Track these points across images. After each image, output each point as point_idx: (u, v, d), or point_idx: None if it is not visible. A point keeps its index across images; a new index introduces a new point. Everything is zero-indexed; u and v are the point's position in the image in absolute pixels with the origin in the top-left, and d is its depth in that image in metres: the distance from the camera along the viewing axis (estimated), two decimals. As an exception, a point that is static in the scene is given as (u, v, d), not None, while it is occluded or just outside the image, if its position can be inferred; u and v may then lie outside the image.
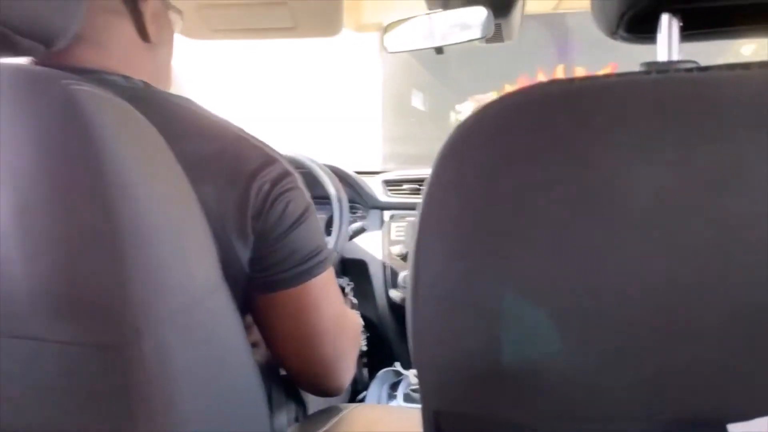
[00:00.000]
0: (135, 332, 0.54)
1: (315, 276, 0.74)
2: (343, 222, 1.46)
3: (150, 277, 0.55)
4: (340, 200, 1.46)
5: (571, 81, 0.41)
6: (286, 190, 0.71)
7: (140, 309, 0.55)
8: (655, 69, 0.46)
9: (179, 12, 0.83)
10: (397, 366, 1.52)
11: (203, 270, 0.63)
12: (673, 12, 0.50)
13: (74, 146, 0.52)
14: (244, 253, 0.70)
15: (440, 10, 1.13)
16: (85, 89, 0.53)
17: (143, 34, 0.73)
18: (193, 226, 0.62)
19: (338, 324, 0.80)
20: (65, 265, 0.53)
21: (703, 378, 0.39)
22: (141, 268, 0.55)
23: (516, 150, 0.41)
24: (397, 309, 1.66)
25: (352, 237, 1.61)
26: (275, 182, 0.70)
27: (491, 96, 2.09)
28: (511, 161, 0.41)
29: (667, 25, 0.51)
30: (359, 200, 1.71)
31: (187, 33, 1.26)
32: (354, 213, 1.70)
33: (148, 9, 0.73)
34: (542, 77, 2.13)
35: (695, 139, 0.37)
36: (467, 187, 0.42)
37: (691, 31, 0.53)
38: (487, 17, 1.07)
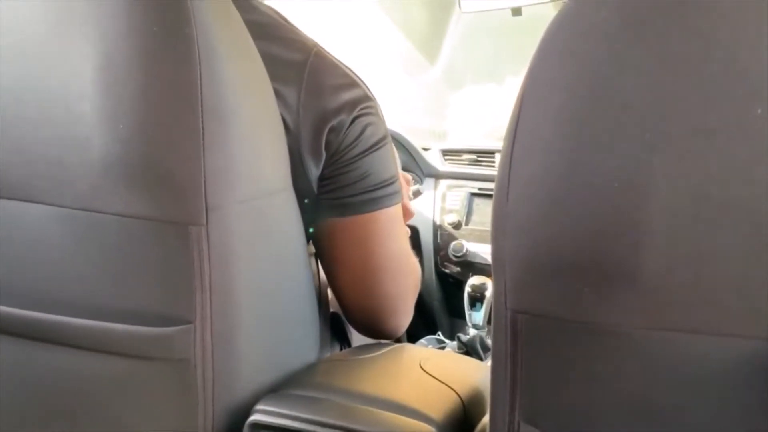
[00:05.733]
0: (204, 211, 0.53)
1: (386, 207, 0.71)
2: None
3: (225, 157, 0.54)
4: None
5: None
6: (366, 114, 0.69)
7: (213, 188, 0.53)
8: None
9: None
10: (440, 335, 1.49)
11: (274, 166, 0.61)
12: None
13: (164, 7, 0.51)
14: (313, 171, 0.68)
15: None
16: None
17: None
18: (269, 119, 0.61)
19: (403, 263, 0.77)
20: (145, 129, 0.52)
21: None
22: (217, 147, 0.53)
23: (645, 18, 0.37)
24: (444, 279, 1.63)
25: None
26: (356, 103, 0.68)
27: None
28: (640, 28, 0.37)
29: None
30: (415, 168, 1.69)
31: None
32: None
33: None
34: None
35: None
36: (586, 55, 0.38)
37: None
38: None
